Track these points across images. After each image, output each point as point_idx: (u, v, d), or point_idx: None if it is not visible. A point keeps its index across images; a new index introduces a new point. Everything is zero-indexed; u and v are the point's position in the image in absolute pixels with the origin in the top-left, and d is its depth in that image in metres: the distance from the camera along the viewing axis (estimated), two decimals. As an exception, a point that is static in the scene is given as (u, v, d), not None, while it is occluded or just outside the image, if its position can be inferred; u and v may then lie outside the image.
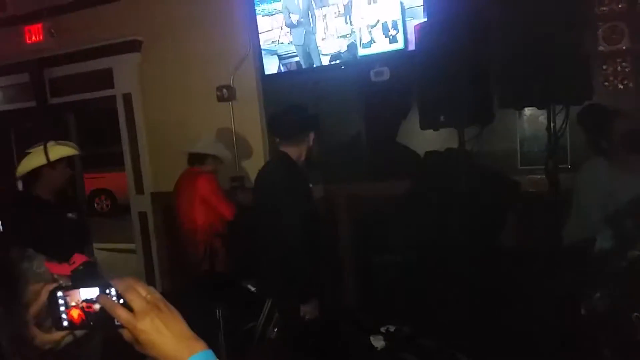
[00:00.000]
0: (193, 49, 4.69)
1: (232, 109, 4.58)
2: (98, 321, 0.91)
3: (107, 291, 0.90)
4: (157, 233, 5.20)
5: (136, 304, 0.88)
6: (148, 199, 5.20)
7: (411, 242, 3.80)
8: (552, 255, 2.84)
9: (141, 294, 0.89)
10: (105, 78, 5.21)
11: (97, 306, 0.90)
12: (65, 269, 1.21)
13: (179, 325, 0.89)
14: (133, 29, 4.94)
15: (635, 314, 1.11)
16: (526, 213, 3.41)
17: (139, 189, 5.26)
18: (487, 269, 3.29)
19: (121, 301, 0.89)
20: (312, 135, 3.09)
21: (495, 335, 3.08)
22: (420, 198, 3.82)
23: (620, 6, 3.38)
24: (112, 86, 5.23)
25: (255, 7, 4.34)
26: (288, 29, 4.26)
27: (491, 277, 3.27)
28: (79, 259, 1.31)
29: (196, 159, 3.94)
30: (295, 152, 3.04)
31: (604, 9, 3.41)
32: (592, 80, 2.84)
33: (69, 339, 0.96)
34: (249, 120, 4.57)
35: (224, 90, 4.52)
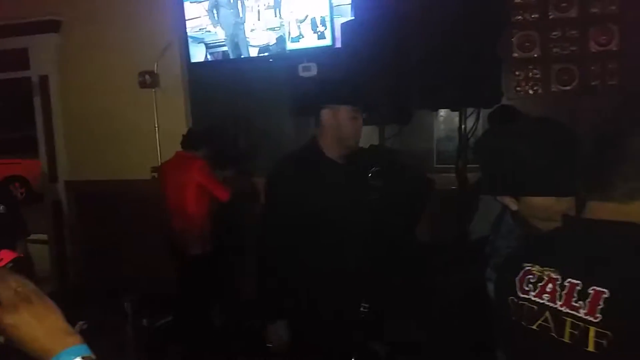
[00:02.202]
0: (116, 32, 4.52)
1: (155, 96, 4.46)
2: None
3: None
4: (71, 223, 4.97)
5: (4, 296, 0.83)
6: (62, 187, 4.95)
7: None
8: (460, 249, 2.97)
9: (11, 286, 0.85)
10: (21, 58, 4.91)
11: None
12: (-10, 267, 1.12)
13: (52, 318, 0.85)
14: (52, 7, 4.67)
15: (511, 297, 1.19)
16: (439, 209, 3.53)
17: (53, 177, 5.00)
18: (403, 263, 3.40)
19: None
20: (327, 112, 2.24)
21: (407, 324, 3.21)
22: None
23: (533, 16, 3.59)
24: (27, 67, 4.94)
25: (183, -7, 4.24)
26: (216, 18, 4.19)
27: (406, 270, 3.39)
28: (6, 255, 1.22)
29: (191, 143, 3.84)
30: (320, 135, 2.33)
31: (519, 17, 3.61)
32: (501, 85, 2.99)
33: None
34: (172, 108, 4.46)
35: (147, 77, 4.39)
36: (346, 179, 2.31)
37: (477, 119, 3.08)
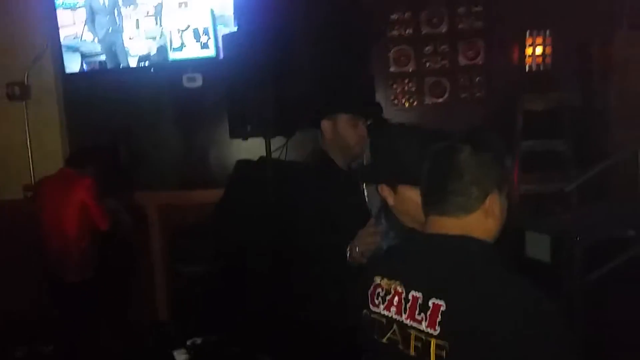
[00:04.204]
0: (-21, 41, 4.14)
1: (26, 109, 4.13)
2: None
3: None
4: None
5: None
6: None
7: (224, 250, 3.79)
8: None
9: None
10: None
11: None
12: None
13: None
14: None
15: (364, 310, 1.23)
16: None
17: None
18: (296, 272, 3.41)
19: None
20: (326, 123, 2.24)
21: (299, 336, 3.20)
22: (232, 205, 3.82)
23: (407, 32, 3.78)
24: None
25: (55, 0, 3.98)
26: (92, 25, 3.98)
27: (297, 279, 3.40)
28: None
29: (78, 161, 3.56)
30: (325, 146, 2.31)
31: (394, 33, 3.79)
32: (375, 98, 3.11)
33: None
34: (46, 122, 4.15)
35: (16, 88, 4.06)
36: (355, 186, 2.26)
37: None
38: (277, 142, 3.47)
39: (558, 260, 2.71)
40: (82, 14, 3.97)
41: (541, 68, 3.83)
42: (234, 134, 3.53)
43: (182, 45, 3.90)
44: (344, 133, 2.23)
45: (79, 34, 4.00)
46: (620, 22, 3.73)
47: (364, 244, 1.86)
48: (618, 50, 3.67)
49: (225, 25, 3.82)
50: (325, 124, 2.25)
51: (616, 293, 2.47)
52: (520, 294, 1.04)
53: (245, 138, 3.56)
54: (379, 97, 3.51)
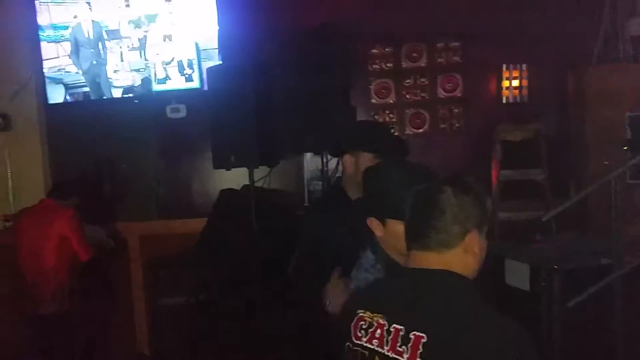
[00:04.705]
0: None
1: (8, 139, 4.12)
2: None
3: None
4: None
5: None
6: None
7: (206, 281, 3.77)
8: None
9: None
10: None
11: None
12: None
13: None
14: None
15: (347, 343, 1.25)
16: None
17: None
18: (279, 300, 3.40)
19: None
20: (348, 158, 2.16)
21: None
22: (215, 236, 3.82)
23: (388, 66, 3.90)
24: None
25: (40, 33, 4.02)
26: (76, 57, 4.02)
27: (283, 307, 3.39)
28: None
29: (60, 192, 3.53)
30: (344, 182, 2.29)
31: (376, 67, 3.91)
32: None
33: None
34: (28, 153, 4.13)
35: (-3, 119, 4.06)
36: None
37: (338, 162, 3.22)
38: (260, 171, 3.55)
39: (536, 288, 2.76)
40: (66, 46, 4.01)
41: (518, 100, 3.95)
42: (217, 164, 3.56)
43: (167, 77, 3.95)
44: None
45: (63, 66, 4.03)
46: (594, 55, 3.88)
47: (337, 297, 1.77)
48: (592, 81, 3.80)
49: (210, 58, 3.88)
50: (347, 159, 2.19)
51: (592, 319, 2.53)
52: (498, 328, 1.08)
53: (229, 168, 3.60)
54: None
